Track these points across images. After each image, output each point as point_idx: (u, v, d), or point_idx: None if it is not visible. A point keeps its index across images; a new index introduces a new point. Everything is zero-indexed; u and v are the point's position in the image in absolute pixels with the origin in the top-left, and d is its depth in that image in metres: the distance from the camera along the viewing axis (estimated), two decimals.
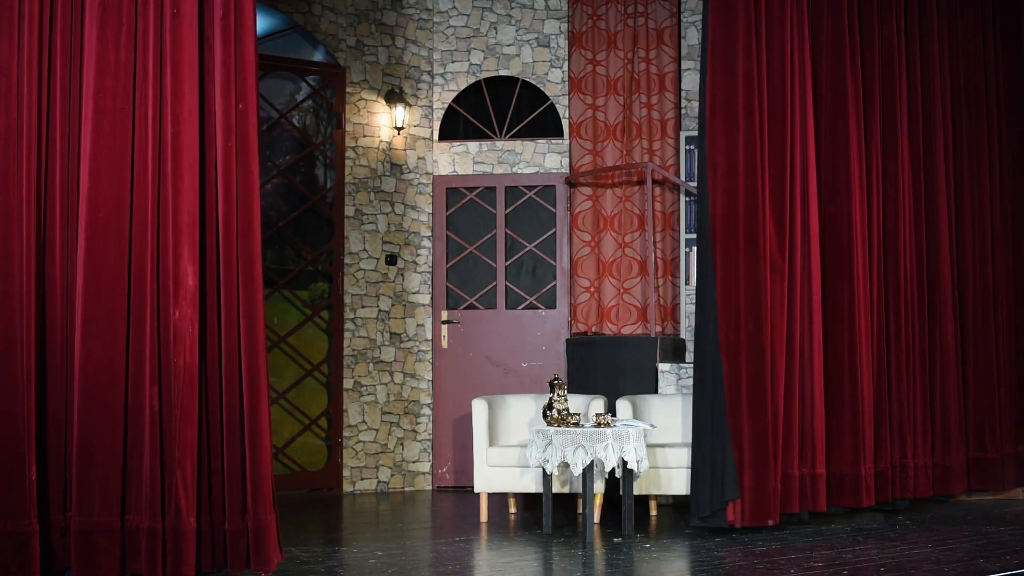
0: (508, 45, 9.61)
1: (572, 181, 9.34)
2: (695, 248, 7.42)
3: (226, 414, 5.52)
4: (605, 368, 8.52)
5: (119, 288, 5.47)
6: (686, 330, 9.06)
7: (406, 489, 9.29)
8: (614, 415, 7.72)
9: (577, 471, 6.90)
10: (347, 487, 9.05)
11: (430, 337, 9.48)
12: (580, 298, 9.33)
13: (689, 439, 7.67)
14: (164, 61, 5.55)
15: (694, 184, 9.10)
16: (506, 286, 9.52)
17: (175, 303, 5.48)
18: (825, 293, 7.47)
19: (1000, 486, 8.23)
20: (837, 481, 7.41)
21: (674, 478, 7.42)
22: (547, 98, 9.55)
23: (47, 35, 5.49)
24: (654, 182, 9.09)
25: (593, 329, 9.29)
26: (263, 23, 9.02)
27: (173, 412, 5.44)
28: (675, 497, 8.10)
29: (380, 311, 9.27)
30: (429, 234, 9.52)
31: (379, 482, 9.19)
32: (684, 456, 7.40)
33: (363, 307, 9.20)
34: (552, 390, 7.16)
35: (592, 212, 9.34)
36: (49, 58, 5.49)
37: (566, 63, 9.48)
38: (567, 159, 9.45)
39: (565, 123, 9.47)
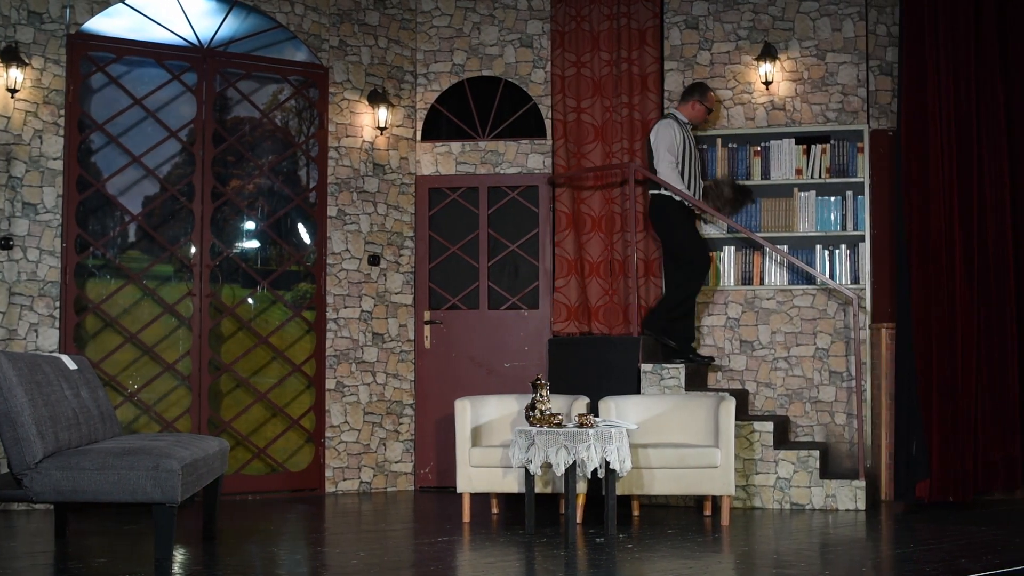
0: (491, 45, 9.60)
1: (555, 181, 9.33)
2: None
3: None
4: (587, 368, 8.52)
5: None
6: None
7: (388, 489, 9.27)
8: (596, 415, 7.72)
9: (560, 471, 6.89)
10: (329, 487, 9.03)
11: (413, 337, 9.47)
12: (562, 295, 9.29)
13: (673, 439, 7.70)
14: None
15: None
16: (489, 286, 9.51)
17: None
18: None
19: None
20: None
21: (656, 478, 7.42)
22: (530, 98, 9.54)
23: None
24: (636, 182, 9.07)
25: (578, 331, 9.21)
26: (246, 23, 9.00)
27: None
28: (654, 497, 8.13)
29: (363, 311, 9.26)
30: (412, 234, 9.51)
31: (361, 482, 9.18)
32: (667, 456, 7.40)
33: (346, 307, 9.19)
34: (535, 390, 7.14)
35: (574, 213, 9.30)
36: None
37: (549, 64, 9.48)
38: (550, 159, 9.44)
39: (548, 123, 9.47)
